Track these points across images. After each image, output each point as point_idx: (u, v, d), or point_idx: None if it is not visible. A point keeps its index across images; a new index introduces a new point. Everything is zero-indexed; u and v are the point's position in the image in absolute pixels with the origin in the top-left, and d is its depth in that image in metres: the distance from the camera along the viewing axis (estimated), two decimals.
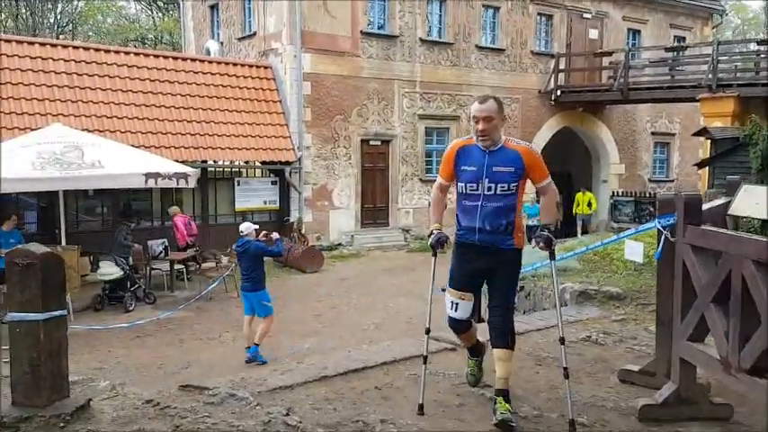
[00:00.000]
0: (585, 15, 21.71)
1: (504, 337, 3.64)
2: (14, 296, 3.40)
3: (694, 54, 20.30)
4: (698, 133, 16.29)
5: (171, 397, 3.85)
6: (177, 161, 12.66)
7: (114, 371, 7.66)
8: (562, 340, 3.66)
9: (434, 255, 3.85)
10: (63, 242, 11.05)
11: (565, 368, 3.58)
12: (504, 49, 19.91)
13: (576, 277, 7.17)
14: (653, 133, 23.75)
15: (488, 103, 3.63)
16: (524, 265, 8.33)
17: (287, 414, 3.58)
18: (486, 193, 3.61)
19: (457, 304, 3.78)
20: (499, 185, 3.58)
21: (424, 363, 3.77)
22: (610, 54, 21.17)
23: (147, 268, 12.56)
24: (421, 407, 3.62)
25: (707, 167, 15.57)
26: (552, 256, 3.80)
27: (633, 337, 5.31)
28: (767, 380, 2.90)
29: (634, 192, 21.67)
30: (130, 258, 11.54)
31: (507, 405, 3.50)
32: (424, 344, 3.90)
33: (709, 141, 15.97)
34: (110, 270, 11.19)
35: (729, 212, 5.03)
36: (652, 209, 20.92)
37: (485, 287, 3.90)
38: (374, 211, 18.03)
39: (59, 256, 3.57)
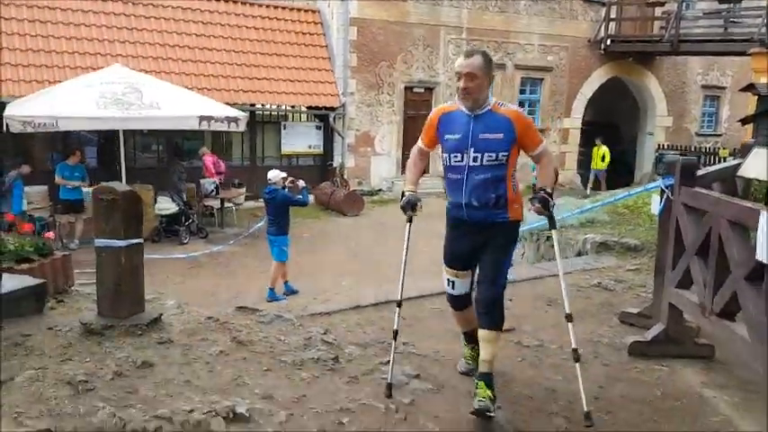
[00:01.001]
0: None
1: (491, 315, 3.32)
2: (100, 226, 4.08)
3: (750, 6, 19.70)
4: (745, 89, 16.02)
5: (228, 315, 4.54)
6: (227, 104, 13.28)
7: (172, 295, 8.49)
8: (569, 317, 3.35)
9: (409, 221, 3.55)
10: (123, 178, 11.92)
11: (575, 349, 3.28)
12: None
13: (601, 229, 7.60)
14: (703, 86, 23.29)
15: (474, 57, 3.23)
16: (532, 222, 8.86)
17: (324, 333, 4.23)
18: (471, 164, 3.23)
19: (453, 282, 3.55)
20: (486, 155, 3.21)
21: (395, 338, 3.56)
22: (662, 4, 20.68)
23: (200, 205, 13.40)
24: (389, 387, 3.37)
25: (751, 124, 15.46)
26: (552, 224, 3.44)
27: (642, 285, 5.78)
28: (734, 322, 3.38)
29: (680, 145, 21.52)
30: (184, 195, 12.38)
31: (488, 391, 3.19)
32: (397, 315, 3.64)
33: (756, 97, 15.78)
34: (166, 206, 12.06)
35: (738, 174, 5.37)
36: (697, 162, 20.79)
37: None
38: None
39: (137, 193, 4.21)
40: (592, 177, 19.88)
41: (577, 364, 3.24)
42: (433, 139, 3.47)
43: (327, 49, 17.23)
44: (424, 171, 3.73)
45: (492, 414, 3.09)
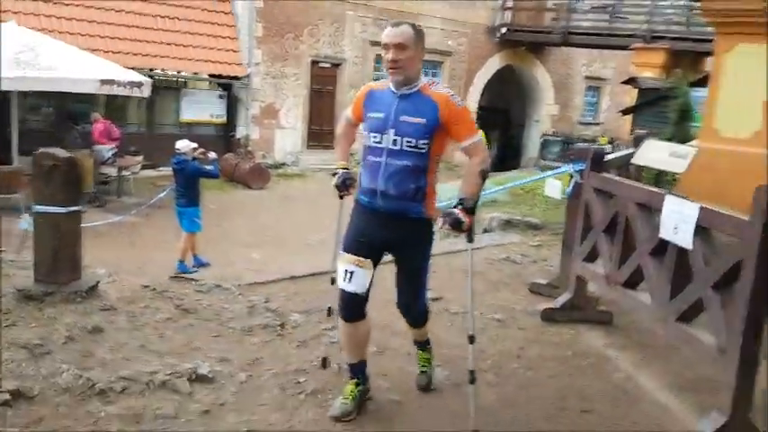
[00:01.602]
0: None
1: (417, 321, 3.27)
2: (41, 192, 4.02)
3: (634, 3, 21.27)
4: (627, 81, 17.46)
5: (164, 284, 4.61)
6: (126, 68, 12.79)
7: None
8: (471, 339, 3.04)
9: (341, 198, 3.28)
10: (15, 142, 11.25)
11: (471, 371, 3.02)
12: None
13: (504, 208, 8.20)
14: (586, 77, 24.88)
15: (403, 26, 2.89)
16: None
17: (266, 302, 4.42)
18: (390, 147, 2.89)
19: (352, 273, 2.95)
20: (405, 140, 2.87)
21: (329, 314, 3.59)
22: None
23: (96, 172, 12.86)
24: (324, 361, 3.50)
25: (631, 115, 16.84)
26: (470, 238, 3.02)
27: (545, 259, 6.37)
28: (636, 291, 3.92)
29: (565, 133, 22.99)
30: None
31: (426, 355, 3.46)
32: (331, 292, 3.43)
33: (636, 90, 17.18)
34: None
35: (632, 161, 6.04)
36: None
37: None
38: (321, 133, 18.55)
39: (77, 159, 4.18)
40: None
41: (471, 386, 3.00)
42: (360, 116, 3.11)
43: (233, 17, 16.89)
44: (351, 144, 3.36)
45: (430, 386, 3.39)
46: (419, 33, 2.93)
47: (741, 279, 2.85)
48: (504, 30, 21.33)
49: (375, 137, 2.95)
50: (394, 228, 2.96)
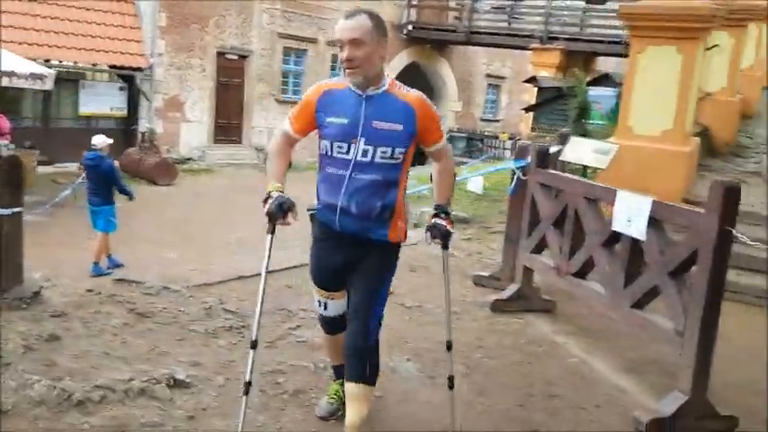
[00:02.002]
0: None
1: (361, 364, 2.63)
2: None
3: (531, 5, 22.25)
4: (528, 80, 18.25)
5: (109, 288, 4.40)
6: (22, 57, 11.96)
7: None
8: (449, 345, 2.96)
9: (271, 231, 2.62)
10: None
11: (450, 377, 2.94)
12: None
13: (431, 202, 8.37)
14: (487, 75, 25.79)
15: (358, 17, 2.45)
16: None
17: (221, 303, 4.32)
18: (359, 158, 2.51)
19: (326, 303, 2.84)
20: (379, 150, 2.49)
21: (246, 393, 2.58)
22: None
23: None
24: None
25: (532, 112, 17.65)
26: (446, 245, 2.78)
27: (479, 252, 6.61)
28: (585, 280, 4.18)
29: (469, 129, 23.72)
30: None
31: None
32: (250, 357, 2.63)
33: (536, 88, 18.02)
34: None
35: (560, 158, 6.38)
36: (481, 144, 23.13)
37: None
38: (228, 127, 18.13)
39: (20, 158, 3.91)
40: None
41: (451, 391, 2.90)
42: (308, 125, 2.64)
43: (135, 6, 16.14)
44: (289, 165, 2.78)
45: None
46: (379, 23, 2.48)
47: (699, 266, 3.12)
48: (410, 27, 21.70)
49: (340, 146, 2.51)
50: (351, 249, 2.64)
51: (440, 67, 23.64)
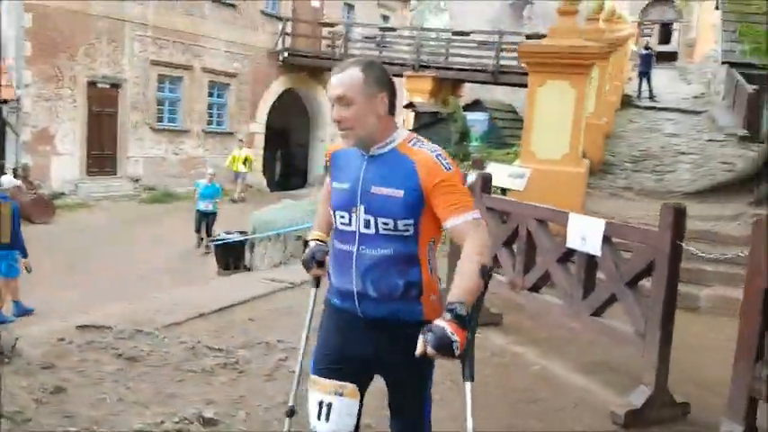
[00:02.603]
0: None
1: None
2: None
3: (396, 35, 23.40)
4: (406, 106, 19.11)
5: (79, 335, 4.28)
6: None
7: None
8: None
9: (316, 285, 2.41)
10: None
11: None
12: (235, 5, 20.34)
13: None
14: None
15: (347, 72, 2.07)
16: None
17: (199, 342, 4.35)
18: (362, 230, 2.10)
19: (329, 406, 2.14)
20: (380, 221, 2.07)
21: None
22: (332, 25, 23.08)
23: None
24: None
25: None
26: (469, 372, 2.01)
27: None
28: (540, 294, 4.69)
29: None
30: None
31: None
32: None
33: (413, 113, 18.92)
34: None
35: None
36: None
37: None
38: (102, 158, 17.29)
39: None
40: (240, 181, 18.56)
41: None
42: None
43: None
44: None
45: None
46: (374, 75, 2.07)
47: (656, 276, 3.69)
48: (285, 54, 21.93)
49: (342, 217, 2.13)
50: (382, 339, 2.11)
51: (316, 92, 24.02)
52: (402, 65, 20.96)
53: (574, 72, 7.20)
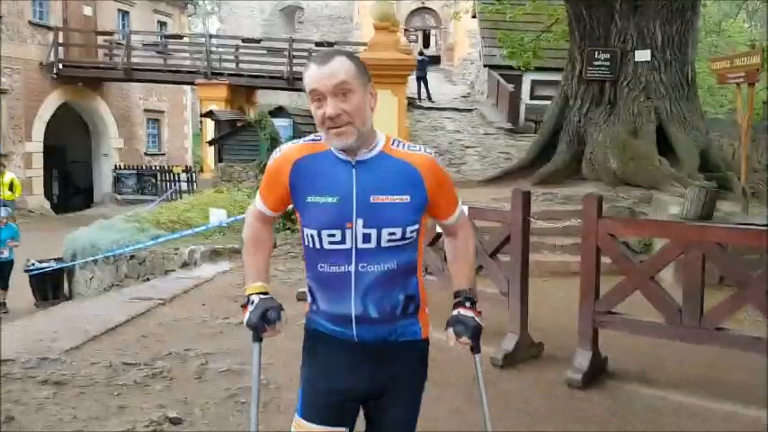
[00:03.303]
0: None
1: None
2: None
3: (188, 42, 23.01)
4: (205, 114, 19.01)
5: None
6: None
7: None
8: None
9: (258, 339, 2.04)
10: None
11: None
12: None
13: (191, 241, 8.79)
14: (145, 110, 25.57)
15: (336, 60, 1.87)
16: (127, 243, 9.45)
17: (110, 361, 4.46)
18: (360, 245, 1.91)
19: None
20: (385, 232, 1.91)
21: None
22: (110, 34, 22.01)
23: None
24: None
25: (216, 144, 18.47)
26: (477, 346, 2.09)
27: (276, 274, 7.38)
28: None
29: (136, 165, 23.30)
30: None
31: None
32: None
33: (213, 122, 18.88)
34: None
35: None
36: (154, 180, 22.93)
37: None
38: None
39: None
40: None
41: None
42: (284, 199, 2.03)
43: None
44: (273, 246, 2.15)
45: None
46: (362, 64, 1.92)
47: (512, 245, 4.64)
48: (60, 66, 20.47)
49: (331, 234, 1.90)
50: (379, 365, 1.98)
51: (96, 105, 22.77)
52: (194, 72, 20.78)
53: (394, 82, 8.17)
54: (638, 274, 4.00)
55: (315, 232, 1.92)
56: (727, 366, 4.31)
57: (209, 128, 19.90)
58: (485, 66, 20.82)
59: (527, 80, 18.81)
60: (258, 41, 22.10)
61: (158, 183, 22.52)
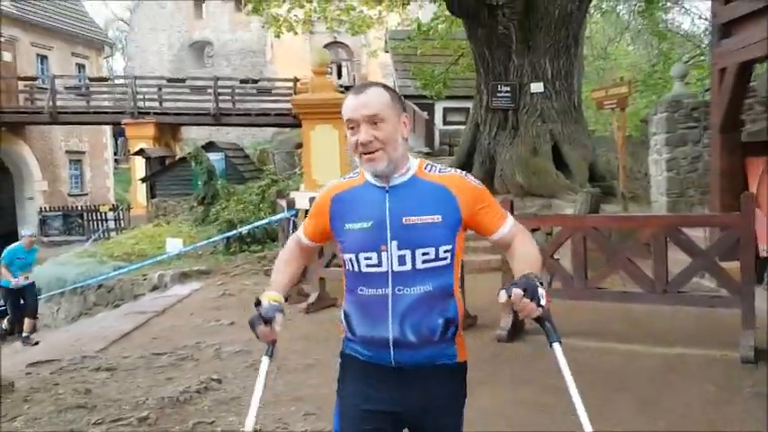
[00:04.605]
0: None
1: None
2: None
3: (111, 83, 23.57)
4: (137, 153, 19.69)
5: (34, 371, 5.17)
6: None
7: None
8: None
9: (270, 354, 2.06)
10: None
11: None
12: None
13: (157, 267, 9.77)
14: (67, 152, 25.72)
15: (372, 90, 2.00)
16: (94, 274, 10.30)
17: (141, 353, 5.53)
18: (396, 268, 1.96)
19: None
20: (420, 252, 1.96)
21: None
22: (34, 79, 22.36)
23: None
24: None
25: (148, 181, 19.18)
26: (553, 335, 1.94)
27: (240, 290, 8.53)
28: None
29: (61, 206, 23.47)
30: None
31: None
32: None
33: (144, 159, 19.59)
34: None
35: (296, 207, 8.81)
36: (81, 220, 23.13)
37: None
38: None
39: None
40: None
41: None
42: (323, 232, 2.16)
43: None
44: (303, 274, 2.20)
45: None
46: (396, 95, 2.06)
47: None
48: None
49: (367, 258, 1.99)
50: (419, 389, 2.01)
51: (19, 149, 22.87)
52: (120, 113, 21.41)
53: (334, 118, 9.50)
54: (542, 253, 5.49)
55: (353, 256, 2.00)
56: (610, 316, 5.83)
57: (138, 165, 20.55)
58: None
59: (439, 108, 20.70)
60: (183, 81, 22.95)
61: (85, 223, 22.70)
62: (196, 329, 6.43)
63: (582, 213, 8.48)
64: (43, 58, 24.73)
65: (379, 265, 1.95)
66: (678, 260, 5.22)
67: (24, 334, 8.76)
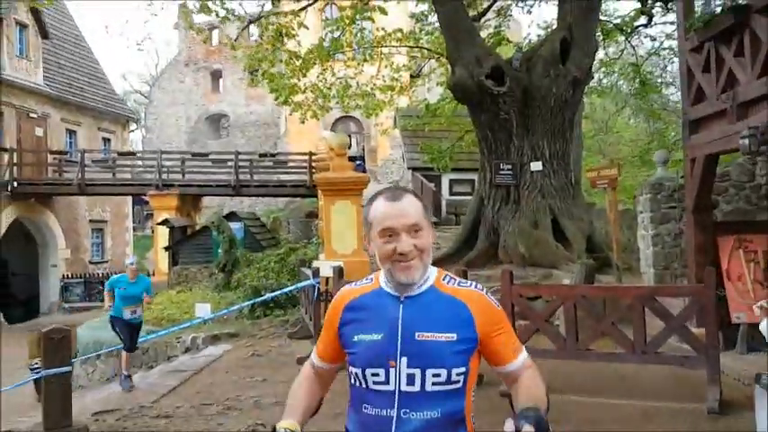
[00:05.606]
0: (32, 115, 23.66)
1: None
2: (51, 359, 5.23)
3: (137, 156, 25.00)
4: (161, 223, 20.79)
5: (100, 418, 6.00)
6: None
7: None
8: None
9: None
10: None
11: None
12: None
13: (190, 331, 10.63)
14: (90, 221, 26.94)
15: (407, 200, 1.92)
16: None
17: (191, 404, 6.34)
18: (404, 387, 1.83)
19: None
20: (430, 373, 1.83)
21: None
22: (64, 153, 23.80)
23: None
24: None
25: (170, 249, 20.18)
26: None
27: (267, 351, 9.33)
28: None
29: (81, 273, 24.47)
30: None
31: None
32: None
33: (169, 228, 20.66)
34: None
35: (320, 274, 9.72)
36: (101, 287, 24.04)
37: None
38: None
39: (71, 330, 5.48)
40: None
41: None
42: (334, 348, 2.00)
43: None
44: (320, 403, 2.09)
45: None
46: (424, 203, 1.99)
47: None
48: (15, 184, 21.89)
49: (374, 374, 1.85)
50: None
51: (46, 218, 24.05)
52: (145, 185, 22.67)
53: (352, 194, 10.58)
54: (538, 317, 6.37)
55: (359, 371, 1.86)
56: (598, 374, 6.60)
57: (162, 234, 21.61)
58: (408, 168, 23.85)
59: (445, 179, 21.87)
60: (206, 155, 24.33)
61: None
62: (234, 384, 7.24)
63: (578, 283, 9.37)
64: (72, 133, 26.27)
65: (387, 382, 1.83)
66: (657, 324, 6.07)
67: (124, 373, 7.74)
